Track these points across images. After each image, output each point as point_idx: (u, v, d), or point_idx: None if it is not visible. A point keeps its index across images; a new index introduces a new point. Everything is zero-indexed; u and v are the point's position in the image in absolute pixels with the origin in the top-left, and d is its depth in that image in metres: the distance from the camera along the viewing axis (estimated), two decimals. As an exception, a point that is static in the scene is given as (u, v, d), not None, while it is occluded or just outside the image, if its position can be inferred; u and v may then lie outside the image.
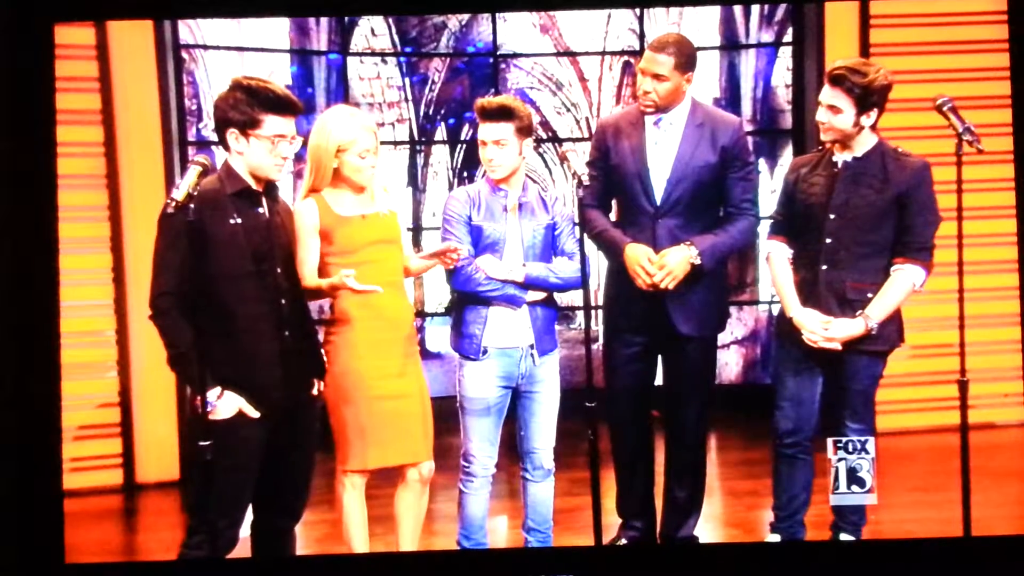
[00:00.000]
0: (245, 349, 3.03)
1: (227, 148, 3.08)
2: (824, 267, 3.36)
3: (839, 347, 3.32)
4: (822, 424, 3.46)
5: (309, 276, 3.25)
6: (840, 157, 3.38)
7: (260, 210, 3.10)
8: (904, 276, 3.31)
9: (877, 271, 3.33)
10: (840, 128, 3.32)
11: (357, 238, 3.26)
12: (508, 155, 3.40)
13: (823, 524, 3.55)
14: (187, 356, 2.96)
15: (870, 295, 3.32)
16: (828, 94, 3.31)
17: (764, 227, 5.53)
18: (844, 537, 3.45)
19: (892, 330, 3.36)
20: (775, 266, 3.50)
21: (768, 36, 6.03)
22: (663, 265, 3.41)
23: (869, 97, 3.28)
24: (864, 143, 3.35)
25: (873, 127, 3.35)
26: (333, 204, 3.29)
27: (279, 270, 3.10)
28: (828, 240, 3.34)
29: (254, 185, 3.09)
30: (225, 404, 2.99)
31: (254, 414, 3.03)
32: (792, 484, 3.47)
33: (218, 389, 2.97)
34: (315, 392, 3.23)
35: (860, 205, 3.32)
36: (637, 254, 3.44)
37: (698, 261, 3.43)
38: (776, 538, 3.52)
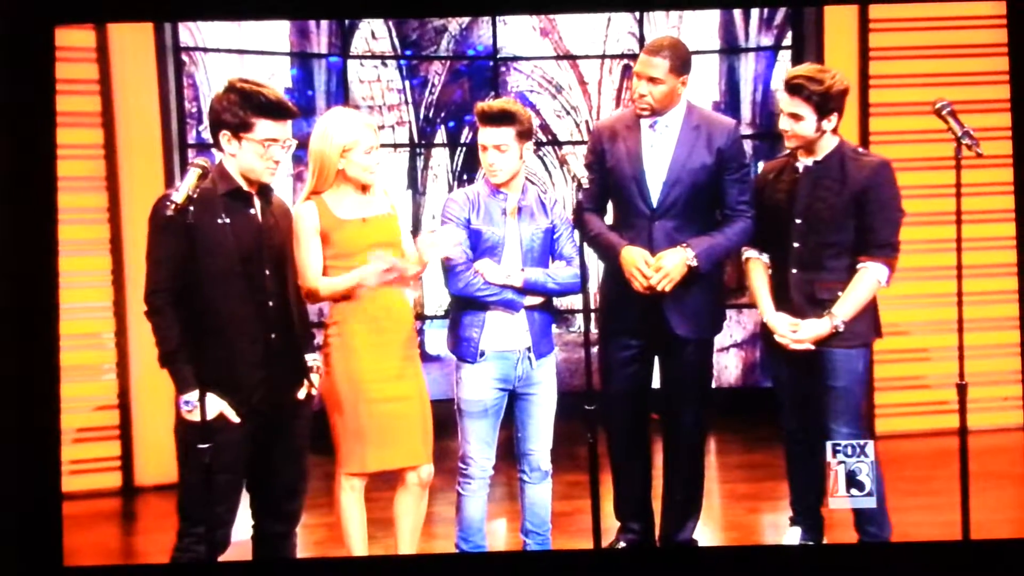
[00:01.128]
0: (229, 349, 3.02)
1: (220, 149, 3.08)
2: (794, 270, 3.42)
3: (811, 347, 3.37)
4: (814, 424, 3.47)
5: (313, 278, 3.25)
6: (802, 162, 3.44)
7: (252, 211, 3.10)
8: (868, 275, 3.35)
9: (845, 270, 3.38)
10: (802, 135, 3.38)
11: (356, 241, 3.26)
12: (509, 159, 3.40)
13: (836, 526, 3.56)
14: (176, 355, 2.96)
15: (840, 294, 3.37)
16: (788, 103, 3.37)
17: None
18: None
19: (863, 325, 3.40)
20: (751, 271, 3.57)
21: (767, 40, 6.04)
22: (660, 267, 3.41)
23: (828, 103, 3.34)
24: (825, 146, 3.41)
25: (834, 131, 3.40)
26: (333, 207, 3.29)
27: (267, 272, 3.10)
28: (796, 244, 3.41)
29: (246, 186, 3.08)
30: (206, 406, 2.97)
31: (235, 419, 3.02)
32: (805, 473, 3.50)
33: (197, 392, 2.95)
34: (301, 396, 3.21)
35: (821, 208, 3.38)
36: (633, 257, 3.45)
37: (695, 263, 3.43)
38: (797, 532, 3.55)
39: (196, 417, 2.93)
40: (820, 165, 3.41)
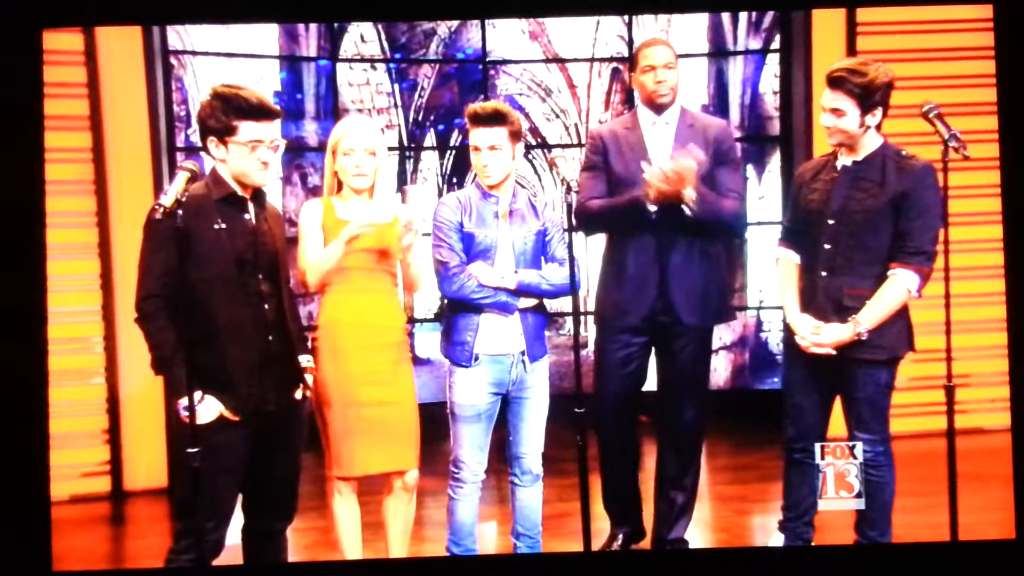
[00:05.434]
0: (227, 353, 3.03)
1: (211, 156, 3.10)
2: (824, 273, 3.33)
3: (832, 352, 3.28)
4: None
5: (303, 263, 3.32)
6: (842, 161, 3.35)
7: (246, 216, 3.10)
8: (897, 282, 3.25)
9: (875, 277, 3.28)
10: (846, 130, 3.29)
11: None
12: (502, 160, 3.40)
13: (826, 527, 3.57)
14: (171, 360, 2.96)
15: (868, 302, 3.27)
16: (829, 97, 3.28)
17: (760, 232, 5.54)
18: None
19: (892, 337, 3.30)
20: (780, 271, 3.51)
21: (756, 43, 6.06)
22: (675, 169, 3.35)
23: (871, 96, 3.25)
24: (868, 145, 3.32)
25: (878, 127, 3.32)
26: (337, 207, 3.37)
27: (261, 276, 3.11)
28: (827, 246, 3.32)
29: (240, 191, 3.09)
30: (205, 409, 2.98)
31: (233, 418, 3.03)
32: (800, 487, 3.46)
33: (198, 394, 2.96)
34: (298, 396, 3.22)
35: (856, 210, 3.29)
36: (651, 176, 3.37)
37: (693, 195, 3.37)
38: (781, 538, 3.53)
39: (197, 421, 2.93)
40: (860, 165, 3.31)
